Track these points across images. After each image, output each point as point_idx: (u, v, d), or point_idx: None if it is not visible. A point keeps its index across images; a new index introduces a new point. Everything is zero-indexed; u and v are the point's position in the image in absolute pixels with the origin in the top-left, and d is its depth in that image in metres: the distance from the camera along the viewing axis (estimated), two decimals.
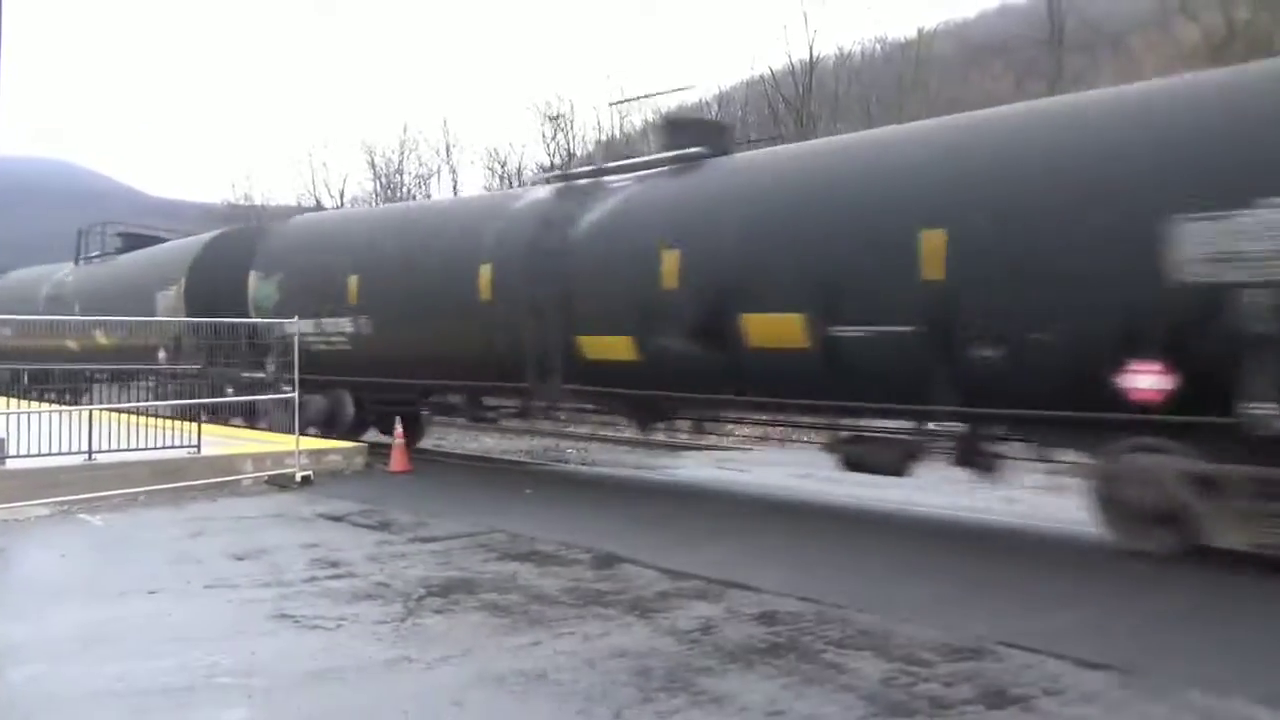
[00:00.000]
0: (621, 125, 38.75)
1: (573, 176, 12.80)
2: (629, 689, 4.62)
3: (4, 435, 10.58)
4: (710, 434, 15.31)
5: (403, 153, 47.69)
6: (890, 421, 9.76)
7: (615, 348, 10.66)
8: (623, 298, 10.56)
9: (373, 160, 48.17)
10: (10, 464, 10.38)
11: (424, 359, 13.16)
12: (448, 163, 46.89)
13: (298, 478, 11.56)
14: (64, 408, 12.70)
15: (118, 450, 11.03)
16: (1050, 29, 29.74)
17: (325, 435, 14.37)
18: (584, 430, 18.85)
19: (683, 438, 15.64)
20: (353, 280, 13.99)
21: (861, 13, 59.93)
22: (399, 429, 13.52)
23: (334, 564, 7.40)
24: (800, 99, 30.82)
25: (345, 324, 14.06)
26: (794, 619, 5.82)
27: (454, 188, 45.11)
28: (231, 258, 17.43)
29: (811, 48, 31.92)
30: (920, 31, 34.18)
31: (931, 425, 9.33)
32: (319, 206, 43.56)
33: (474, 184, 45.06)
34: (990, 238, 7.87)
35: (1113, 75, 25.12)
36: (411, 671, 4.93)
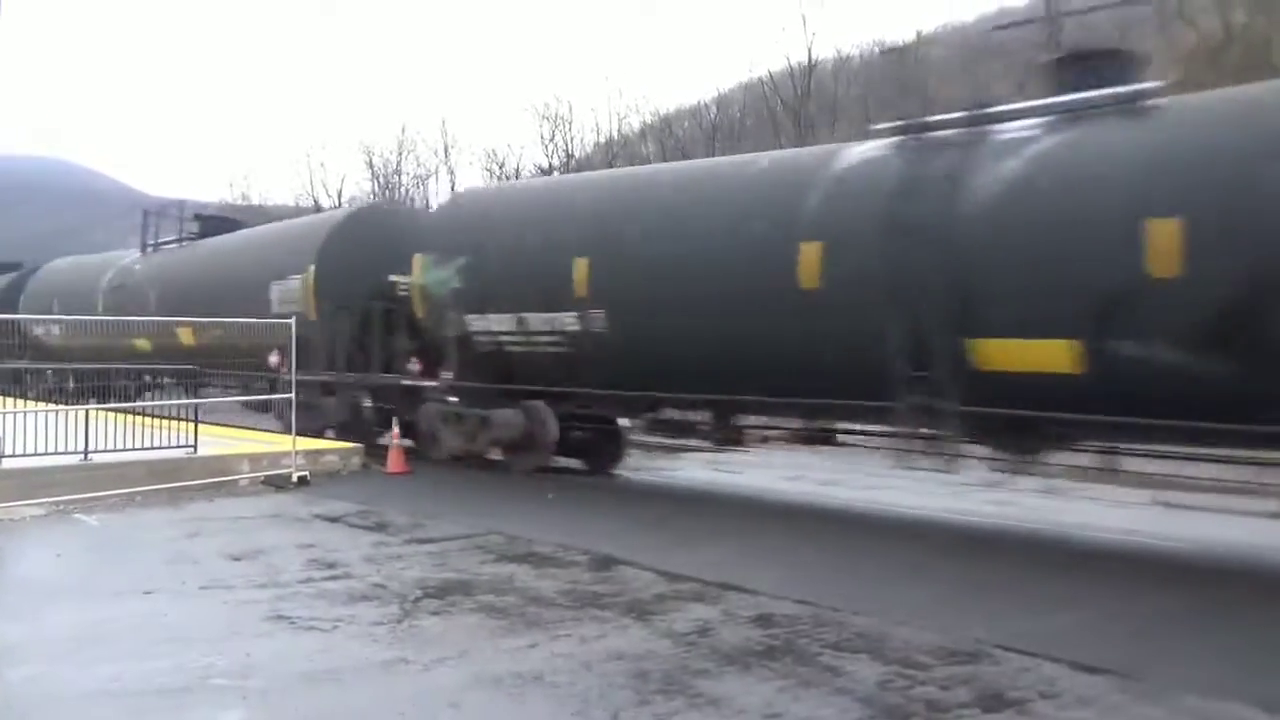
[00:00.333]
0: (620, 127, 38.78)
1: (931, 127, 9.50)
2: (626, 691, 4.62)
3: (0, 435, 10.55)
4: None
5: (401, 153, 47.70)
6: None
7: (1043, 356, 8.01)
8: (1063, 287, 7.87)
9: (370, 161, 48.17)
10: (6, 463, 10.35)
11: (686, 364, 10.47)
12: (445, 163, 46.90)
13: (294, 478, 11.54)
14: (60, 407, 12.67)
15: (114, 450, 11.01)
16: (1047, 32, 29.77)
17: (516, 462, 12.59)
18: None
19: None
20: (580, 265, 11.14)
21: (859, 15, 59.97)
22: (395, 429, 13.47)
23: (330, 565, 7.39)
24: (799, 101, 30.85)
25: (566, 320, 11.33)
26: (791, 621, 5.82)
27: (451, 189, 45.14)
28: (378, 238, 14.89)
29: (810, 50, 31.96)
30: (918, 34, 34.21)
31: None
32: (317, 207, 43.45)
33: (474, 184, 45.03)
34: None
35: None
36: (408, 673, 4.93)
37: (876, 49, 37.44)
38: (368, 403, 14.02)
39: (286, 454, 11.88)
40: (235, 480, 11.52)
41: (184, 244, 20.14)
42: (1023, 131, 8.70)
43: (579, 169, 34.54)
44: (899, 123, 9.68)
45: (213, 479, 11.32)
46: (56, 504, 9.91)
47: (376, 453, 13.32)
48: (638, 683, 4.73)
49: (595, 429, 12.82)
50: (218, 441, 12.68)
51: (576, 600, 6.32)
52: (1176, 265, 7.26)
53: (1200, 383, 7.23)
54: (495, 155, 44.00)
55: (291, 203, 46.76)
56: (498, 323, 11.91)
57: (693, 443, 14.15)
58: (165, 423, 12.01)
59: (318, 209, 41.83)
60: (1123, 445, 9.46)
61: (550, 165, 37.47)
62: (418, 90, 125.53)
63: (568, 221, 11.75)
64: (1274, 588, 7.35)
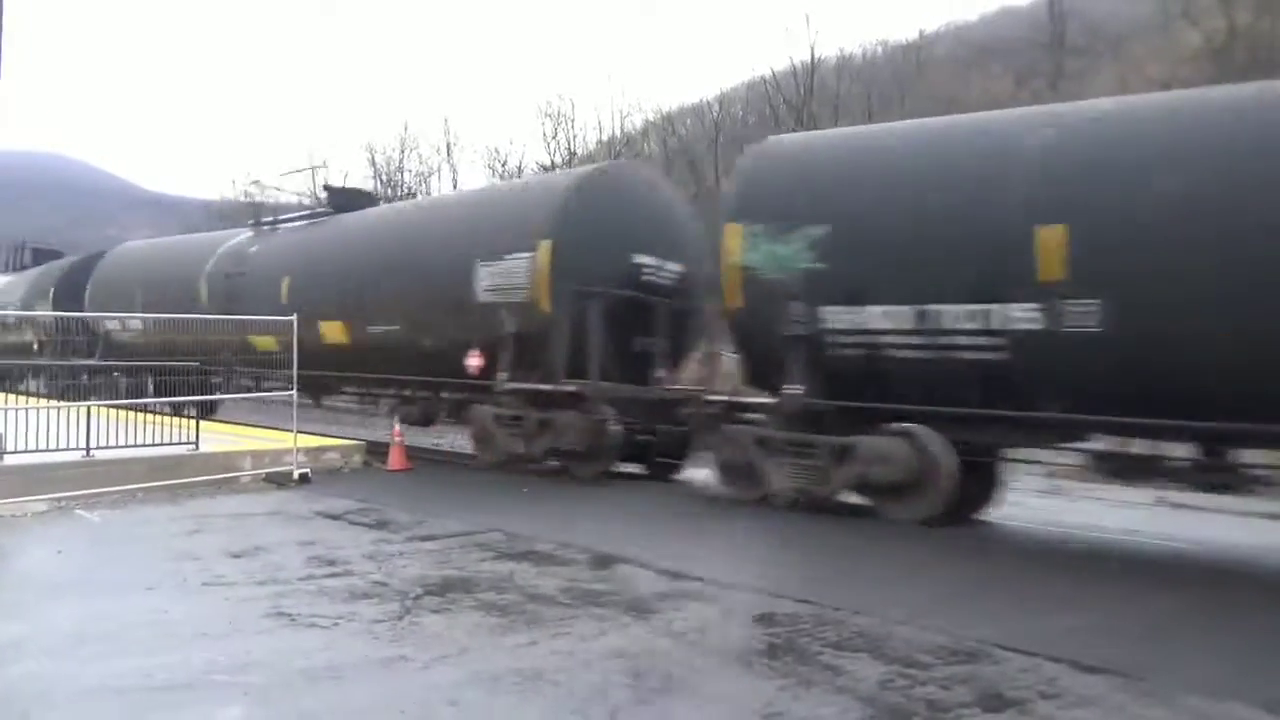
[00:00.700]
0: (623, 125, 38.77)
1: None
2: (625, 689, 4.61)
3: (2, 431, 10.56)
4: None
5: (403, 151, 47.75)
6: None
7: None
8: None
9: (373, 158, 48.20)
10: (8, 459, 10.36)
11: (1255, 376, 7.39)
12: (448, 161, 46.92)
13: (296, 475, 11.55)
14: (62, 403, 12.67)
15: (116, 446, 11.02)
16: (1051, 31, 29.77)
17: (893, 510, 9.19)
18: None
19: None
20: (1046, 237, 8.05)
21: (863, 14, 59.97)
22: (397, 426, 13.47)
23: (331, 562, 7.39)
24: (801, 100, 30.83)
25: (1015, 314, 8.29)
26: (791, 620, 5.82)
27: (454, 186, 45.12)
28: (624, 206, 12.20)
29: (813, 49, 31.96)
30: (921, 34, 34.19)
31: None
32: (318, 205, 43.33)
33: (475, 183, 45.05)
34: None
35: (1112, 78, 25.12)
36: (408, 670, 4.92)
37: (879, 48, 37.47)
38: (614, 424, 11.30)
39: (288, 451, 11.89)
40: (237, 477, 11.52)
41: (316, 221, 17.04)
42: None
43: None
44: None
45: (214, 476, 11.34)
46: (58, 500, 9.92)
47: (377, 450, 13.32)
48: (637, 681, 4.73)
49: (982, 460, 9.31)
50: (219, 438, 12.69)
51: (577, 598, 6.32)
52: None
53: None
54: (498, 153, 44.06)
55: (294, 200, 46.81)
56: (881, 318, 8.96)
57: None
58: (167, 419, 12.02)
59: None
60: None
61: (553, 163, 37.46)
62: (420, 88, 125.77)
63: (1017, 174, 8.44)
64: (1275, 588, 7.35)
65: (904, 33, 52.82)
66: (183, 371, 13.17)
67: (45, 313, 22.24)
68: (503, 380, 11.99)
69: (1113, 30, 32.35)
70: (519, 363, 11.63)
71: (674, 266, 12.54)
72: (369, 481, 11.91)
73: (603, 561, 7.42)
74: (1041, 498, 11.04)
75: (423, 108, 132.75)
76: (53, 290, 23.44)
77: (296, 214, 18.17)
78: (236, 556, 7.59)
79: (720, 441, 10.42)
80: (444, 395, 13.86)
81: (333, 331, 14.40)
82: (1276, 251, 7.16)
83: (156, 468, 11.00)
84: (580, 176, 12.73)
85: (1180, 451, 8.38)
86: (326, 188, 18.68)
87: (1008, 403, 8.58)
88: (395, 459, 12.82)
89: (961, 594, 6.83)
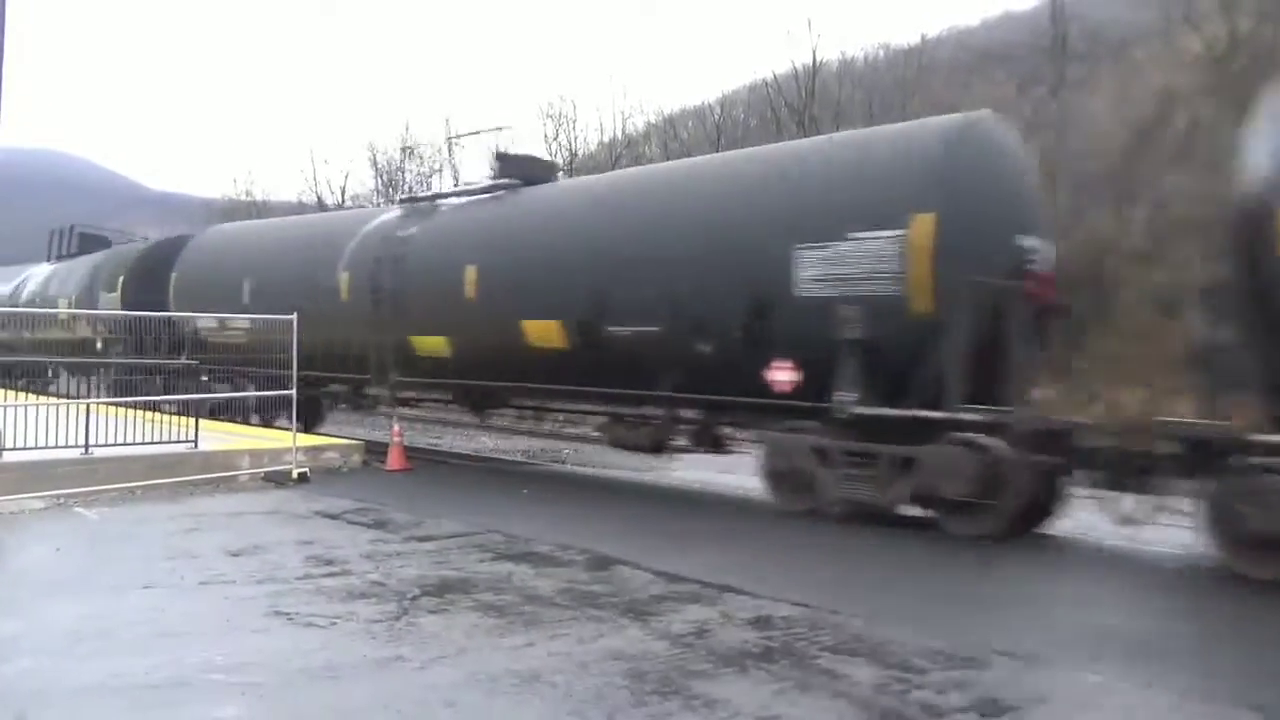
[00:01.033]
0: (624, 126, 38.77)
1: None
2: (622, 691, 4.62)
3: (1, 428, 10.57)
4: None
5: (404, 151, 47.70)
6: None
7: None
8: None
9: (374, 158, 48.17)
10: (7, 456, 10.37)
11: None
12: (450, 161, 46.91)
13: (295, 475, 11.55)
14: (61, 400, 12.66)
15: (115, 444, 11.02)
16: (1053, 37, 29.78)
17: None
18: (580, 431, 17.47)
19: None
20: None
21: (864, 17, 60.09)
22: (396, 426, 13.46)
23: (329, 562, 7.40)
24: (803, 103, 30.82)
25: None
26: (788, 624, 5.82)
27: (455, 184, 45.06)
28: (1005, 173, 9.44)
29: (815, 53, 31.93)
30: (923, 38, 34.23)
31: None
32: (320, 204, 43.41)
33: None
34: None
35: (1114, 84, 25.16)
36: (405, 671, 4.93)
37: (881, 51, 37.52)
38: (1017, 461, 8.23)
39: (287, 450, 11.90)
40: (235, 476, 11.53)
41: (498, 195, 13.58)
42: None
43: (582, 168, 34.54)
44: None
45: (213, 474, 11.35)
46: (57, 497, 9.93)
47: (377, 450, 13.32)
48: (634, 683, 4.73)
49: None
50: (218, 437, 12.69)
51: (574, 600, 6.33)
52: None
53: None
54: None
55: (294, 199, 46.81)
56: None
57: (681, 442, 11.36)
58: (166, 417, 12.02)
59: (321, 207, 41.78)
60: None
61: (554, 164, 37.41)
62: (421, 88, 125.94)
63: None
64: (1273, 596, 7.34)
65: (905, 37, 52.85)
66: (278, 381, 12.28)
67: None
68: (846, 403, 9.02)
69: (1114, 36, 32.38)
70: (870, 380, 8.93)
71: (1049, 253, 9.73)
72: (368, 481, 11.92)
73: (600, 563, 7.43)
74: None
75: (424, 107, 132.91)
76: (121, 280, 20.15)
77: (464, 188, 14.99)
78: (235, 555, 7.60)
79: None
80: (717, 416, 11.11)
81: (542, 332, 11.66)
82: None
83: (155, 466, 11.01)
84: (958, 125, 9.42)
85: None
86: (500, 156, 15.53)
87: None
88: (394, 459, 12.83)
89: (959, 598, 6.83)
